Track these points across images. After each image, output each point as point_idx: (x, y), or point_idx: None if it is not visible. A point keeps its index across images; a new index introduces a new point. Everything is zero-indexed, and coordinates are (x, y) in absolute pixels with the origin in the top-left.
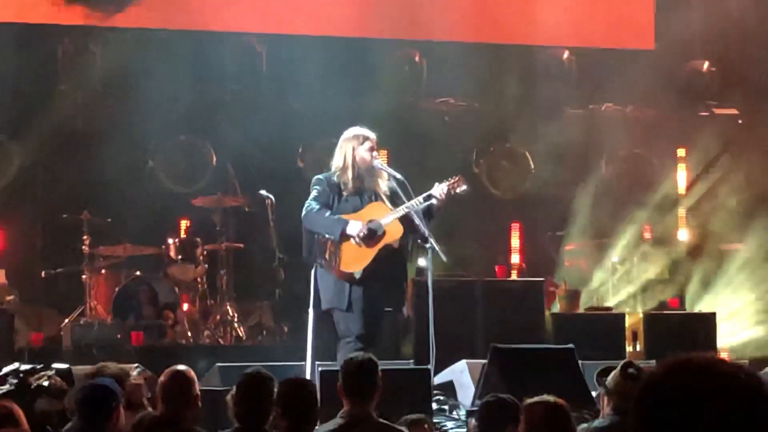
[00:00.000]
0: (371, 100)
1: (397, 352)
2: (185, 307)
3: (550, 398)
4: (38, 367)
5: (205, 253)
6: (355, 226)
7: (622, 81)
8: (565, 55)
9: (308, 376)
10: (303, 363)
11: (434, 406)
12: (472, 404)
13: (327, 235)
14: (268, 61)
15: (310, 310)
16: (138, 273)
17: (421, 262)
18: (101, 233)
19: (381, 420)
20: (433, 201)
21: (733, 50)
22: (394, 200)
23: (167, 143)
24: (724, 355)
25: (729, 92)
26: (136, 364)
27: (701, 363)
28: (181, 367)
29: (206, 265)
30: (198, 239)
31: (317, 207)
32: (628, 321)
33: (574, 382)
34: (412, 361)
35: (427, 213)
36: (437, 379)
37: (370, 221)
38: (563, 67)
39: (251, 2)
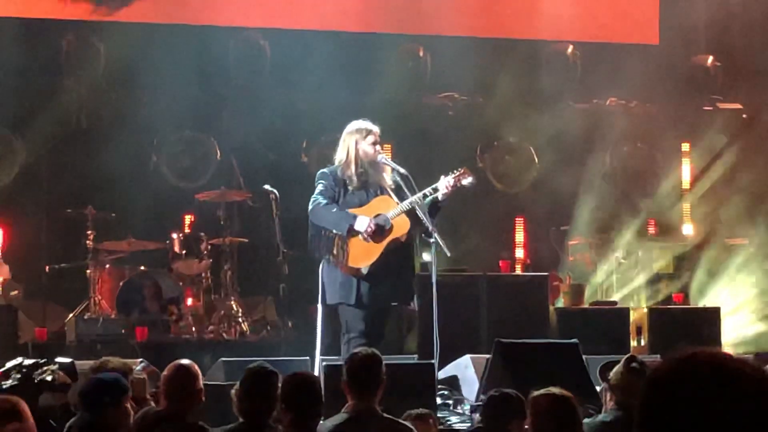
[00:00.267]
0: (375, 95)
1: (401, 347)
2: (189, 301)
3: (556, 390)
4: (41, 361)
5: (209, 247)
6: (363, 222)
7: (626, 75)
8: (569, 49)
9: (317, 372)
10: (307, 358)
11: (438, 400)
12: (477, 399)
13: (334, 231)
14: (272, 56)
15: (319, 306)
16: (142, 268)
17: (425, 256)
18: (106, 228)
19: (385, 415)
20: (439, 194)
21: (737, 45)
22: (399, 194)
23: (171, 138)
24: (728, 350)
25: (733, 86)
26: (140, 359)
27: (706, 357)
28: (184, 361)
29: (210, 260)
30: (202, 234)
31: (324, 202)
32: (633, 315)
33: (578, 377)
34: (416, 355)
35: (433, 206)
36: (441, 374)
37: (376, 216)
38: (567, 62)
39: None
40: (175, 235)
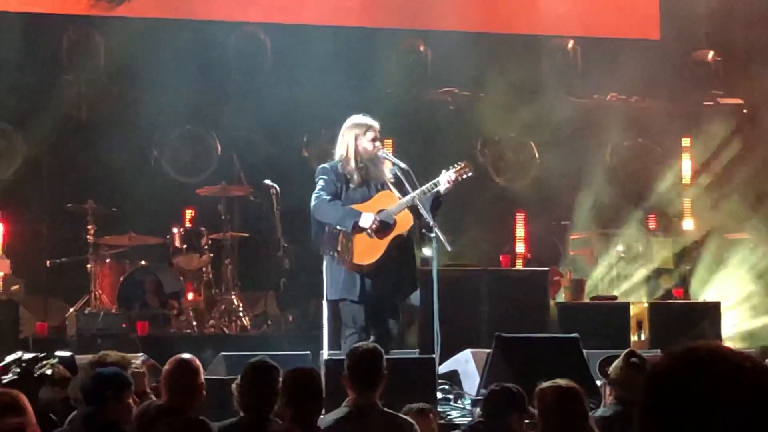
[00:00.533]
0: (376, 90)
1: (402, 342)
2: (190, 296)
3: (563, 382)
4: (41, 355)
5: (210, 242)
6: (368, 218)
7: (626, 70)
8: (570, 44)
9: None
10: (308, 352)
11: (439, 395)
12: (477, 393)
13: (338, 227)
14: (273, 51)
15: (324, 302)
16: (143, 262)
17: (426, 251)
18: (106, 223)
19: (386, 409)
20: (441, 188)
21: (738, 39)
22: (400, 188)
23: (172, 133)
24: (729, 345)
25: (734, 82)
26: (140, 354)
27: (706, 351)
28: (185, 355)
29: (211, 255)
30: (203, 229)
31: (327, 198)
32: (633, 310)
33: (578, 372)
34: (417, 350)
35: (435, 200)
36: (442, 369)
37: (379, 211)
38: (568, 57)
39: None
40: (175, 230)
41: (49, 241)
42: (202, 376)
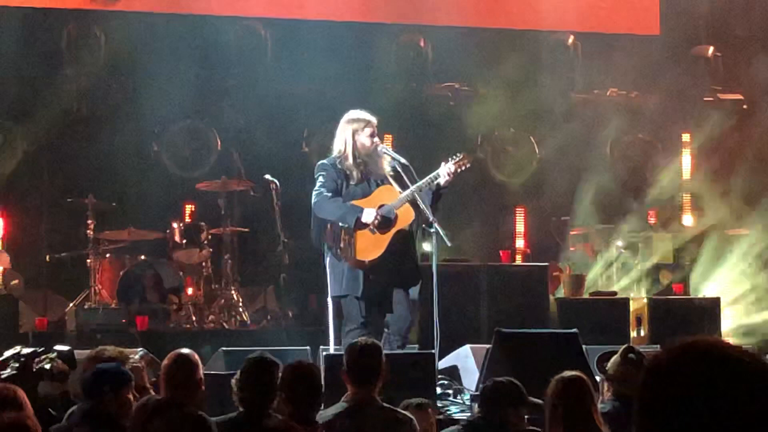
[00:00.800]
0: (376, 85)
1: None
2: (190, 291)
3: (570, 373)
4: (39, 350)
5: (209, 237)
6: (370, 214)
7: (626, 66)
8: (570, 39)
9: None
10: (307, 347)
11: (438, 390)
12: (477, 389)
13: (341, 224)
14: (273, 46)
15: (329, 299)
16: (143, 257)
17: (426, 246)
18: (106, 217)
19: (384, 404)
20: (441, 180)
21: (738, 35)
22: (400, 182)
23: (172, 127)
24: (728, 340)
25: (734, 77)
26: (140, 348)
27: (705, 346)
28: (184, 350)
29: (211, 250)
30: (203, 224)
31: (329, 194)
32: (633, 306)
33: (577, 367)
34: (416, 345)
35: (436, 193)
36: (441, 364)
37: (380, 207)
38: (568, 52)
39: None
40: (175, 225)
41: (48, 235)
42: (201, 371)
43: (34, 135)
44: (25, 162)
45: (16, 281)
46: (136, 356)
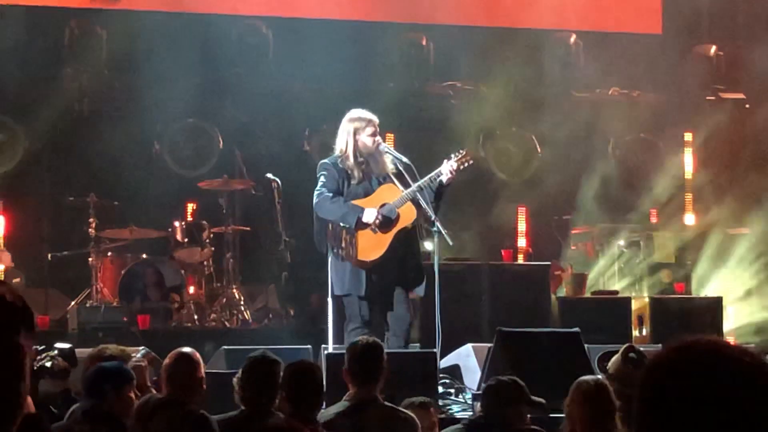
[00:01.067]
0: (378, 84)
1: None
2: (191, 290)
3: (591, 378)
4: (40, 348)
5: (211, 236)
6: (371, 214)
7: (628, 65)
8: (572, 38)
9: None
10: (309, 346)
11: (440, 389)
12: (478, 388)
13: (342, 224)
14: (275, 45)
15: (329, 299)
16: (144, 256)
17: (428, 245)
18: (108, 216)
19: (386, 403)
20: (443, 178)
21: (740, 34)
22: (402, 180)
23: (174, 126)
24: (730, 340)
25: (736, 76)
26: (141, 347)
27: (705, 346)
28: (186, 349)
29: (212, 248)
30: (204, 222)
31: (329, 194)
32: (634, 305)
33: (579, 366)
34: (418, 344)
35: (438, 191)
36: (443, 363)
37: (382, 206)
38: (570, 51)
39: None
40: (177, 223)
41: (50, 234)
42: (203, 370)
43: (35, 133)
44: (27, 160)
45: (17, 279)
46: (138, 355)
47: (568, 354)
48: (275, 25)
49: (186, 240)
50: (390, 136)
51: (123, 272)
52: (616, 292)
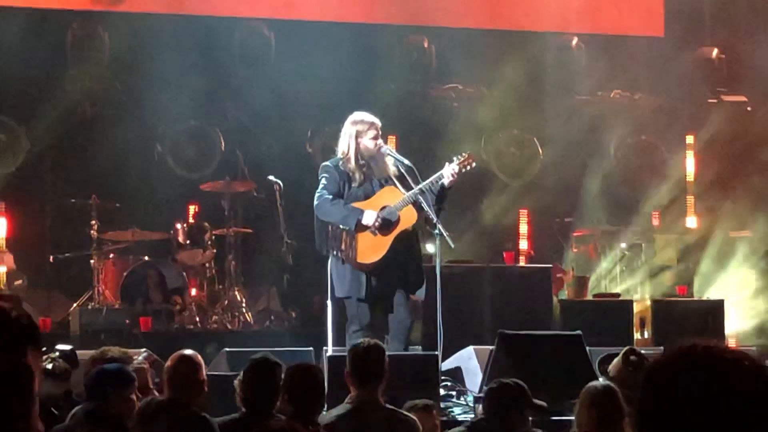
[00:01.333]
0: (379, 86)
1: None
2: (193, 292)
3: (599, 382)
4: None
5: (213, 238)
6: (371, 216)
7: (630, 68)
8: (574, 41)
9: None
10: (311, 348)
11: (442, 392)
12: (480, 390)
13: (342, 226)
14: (277, 47)
15: (329, 301)
16: (146, 258)
17: (429, 248)
18: (110, 218)
19: (387, 405)
20: (445, 181)
21: (742, 37)
22: (404, 182)
23: (176, 128)
24: (731, 342)
25: (738, 79)
26: (143, 349)
27: (705, 349)
28: (187, 351)
29: (214, 250)
30: (206, 224)
31: (330, 197)
32: (636, 308)
33: (581, 369)
34: (419, 346)
35: (440, 194)
36: (445, 365)
37: (382, 208)
38: (572, 54)
39: None
40: (179, 226)
41: (52, 236)
42: (204, 372)
43: (38, 135)
44: (29, 162)
45: (19, 281)
46: (140, 357)
47: (570, 357)
48: (277, 27)
49: (188, 242)
50: (392, 138)
51: (125, 274)
52: (618, 295)
